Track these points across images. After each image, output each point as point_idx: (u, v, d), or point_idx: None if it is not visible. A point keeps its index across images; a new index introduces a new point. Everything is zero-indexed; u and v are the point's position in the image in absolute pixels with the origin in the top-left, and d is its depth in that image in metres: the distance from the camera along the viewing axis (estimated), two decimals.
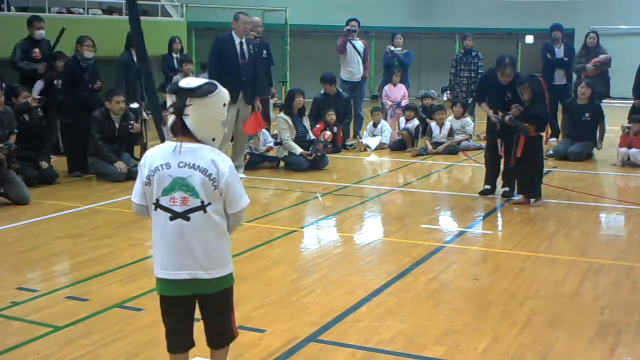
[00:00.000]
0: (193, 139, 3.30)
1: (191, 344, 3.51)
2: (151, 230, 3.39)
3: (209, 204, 3.28)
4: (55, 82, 10.16)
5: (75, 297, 5.08)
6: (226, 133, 8.55)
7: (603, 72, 12.49)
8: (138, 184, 3.40)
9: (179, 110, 3.26)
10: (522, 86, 7.81)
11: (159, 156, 3.31)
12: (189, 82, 3.31)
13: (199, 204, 3.27)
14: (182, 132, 3.29)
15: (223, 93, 3.34)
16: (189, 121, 3.27)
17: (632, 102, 11.74)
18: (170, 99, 3.30)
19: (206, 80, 3.37)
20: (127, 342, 4.30)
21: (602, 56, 12.30)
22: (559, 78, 12.78)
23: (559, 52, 12.87)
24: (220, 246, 3.36)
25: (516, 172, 7.99)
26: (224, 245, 3.39)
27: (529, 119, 7.71)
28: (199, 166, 3.26)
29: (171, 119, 3.30)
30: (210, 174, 3.26)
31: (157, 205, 3.31)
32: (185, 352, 3.52)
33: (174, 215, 3.28)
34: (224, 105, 3.36)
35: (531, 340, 4.35)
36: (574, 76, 12.96)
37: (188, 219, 3.27)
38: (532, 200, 7.93)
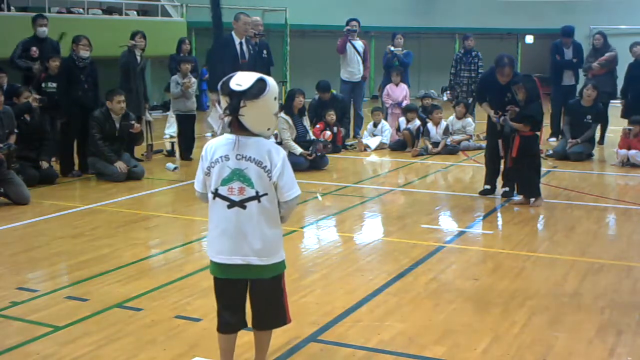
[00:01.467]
0: (249, 132, 3.48)
1: (242, 326, 3.71)
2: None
3: (264, 194, 3.49)
4: (43, 84, 10.01)
5: (75, 297, 5.08)
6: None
7: (611, 71, 12.53)
8: (200, 174, 3.62)
9: (235, 112, 3.41)
10: (517, 86, 7.81)
11: (219, 149, 3.51)
12: (240, 82, 3.42)
13: (254, 194, 3.48)
14: (238, 128, 3.46)
15: (273, 88, 3.47)
16: (244, 120, 3.43)
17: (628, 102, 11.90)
18: (224, 101, 3.45)
19: (256, 78, 3.43)
20: (127, 342, 4.30)
21: (607, 54, 12.33)
22: (567, 79, 12.80)
23: (568, 53, 12.87)
24: (272, 234, 3.56)
25: (514, 172, 8.00)
26: (276, 234, 3.59)
27: (523, 118, 7.71)
28: (254, 159, 3.46)
29: (227, 119, 3.47)
30: (265, 166, 3.46)
31: (216, 194, 3.52)
32: (234, 334, 3.72)
33: (232, 204, 3.50)
34: (275, 99, 3.49)
35: (531, 340, 4.35)
36: (581, 77, 13.00)
37: (244, 207, 3.49)
38: (532, 200, 7.93)
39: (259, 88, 3.40)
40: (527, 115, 7.72)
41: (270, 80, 3.48)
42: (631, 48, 12.06)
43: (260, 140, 3.49)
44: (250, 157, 3.46)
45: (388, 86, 13.24)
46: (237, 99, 3.39)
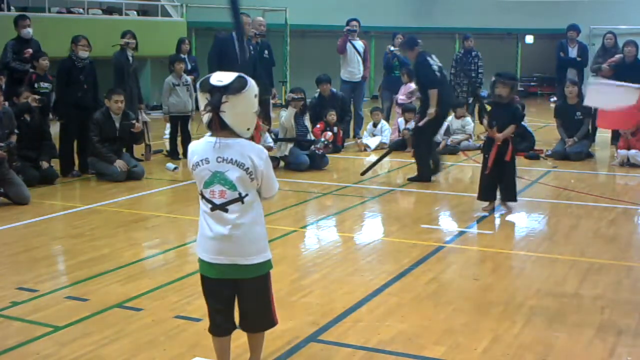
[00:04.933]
0: (229, 133, 3.45)
1: (231, 328, 3.71)
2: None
3: (247, 195, 3.49)
4: (35, 85, 9.91)
5: (75, 297, 5.08)
6: None
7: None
8: None
9: (216, 108, 3.39)
10: (501, 81, 7.37)
11: (198, 152, 3.51)
12: (221, 79, 3.41)
13: (236, 196, 3.47)
14: (219, 127, 3.43)
15: (253, 85, 3.46)
16: (226, 117, 3.41)
17: None
18: (203, 98, 3.43)
19: (235, 75, 3.44)
20: (127, 342, 4.30)
21: (617, 56, 12.30)
22: (572, 77, 12.84)
23: (573, 51, 12.95)
24: (257, 234, 3.57)
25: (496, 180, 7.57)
26: (260, 233, 3.59)
27: (514, 119, 7.41)
28: (236, 160, 3.45)
29: (207, 116, 3.44)
30: (247, 168, 3.45)
31: (201, 195, 3.54)
32: (226, 336, 3.72)
33: (214, 207, 3.49)
34: (255, 96, 3.48)
35: (531, 340, 4.35)
36: (590, 77, 13.02)
37: (226, 210, 3.48)
38: (510, 204, 7.59)
39: (240, 83, 3.39)
40: (520, 116, 7.62)
41: (249, 78, 3.46)
42: (623, 47, 11.93)
43: (241, 142, 3.47)
44: (231, 159, 3.44)
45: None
46: (218, 94, 3.37)
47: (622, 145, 10.75)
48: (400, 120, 12.40)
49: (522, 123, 11.99)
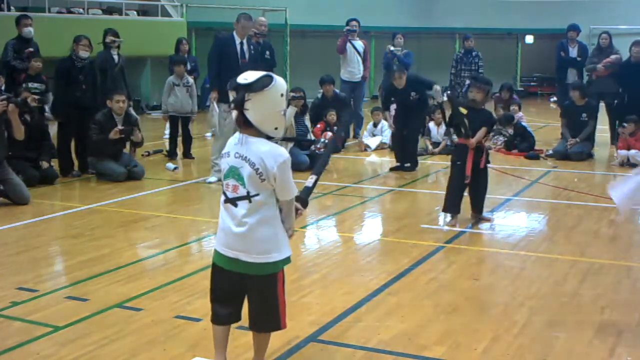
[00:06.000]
0: (255, 131, 3.50)
1: (231, 319, 3.74)
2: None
3: (256, 194, 3.51)
4: (24, 85, 9.88)
5: (75, 297, 5.08)
6: (226, 131, 8.55)
7: (615, 72, 12.51)
8: None
9: (240, 105, 3.45)
10: (477, 86, 7.16)
11: (228, 145, 3.62)
12: (247, 77, 3.47)
13: (245, 193, 3.51)
14: (244, 125, 3.49)
15: (279, 84, 3.48)
16: (249, 115, 3.45)
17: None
18: (231, 95, 3.51)
19: (263, 74, 3.47)
20: (127, 342, 4.30)
21: (612, 56, 12.30)
22: (572, 77, 12.92)
23: (573, 51, 13.00)
24: (264, 233, 3.56)
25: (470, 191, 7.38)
26: (268, 233, 3.57)
27: (484, 123, 7.14)
28: (249, 159, 3.49)
29: (234, 113, 3.51)
30: (258, 168, 3.48)
31: (222, 186, 3.63)
32: (223, 326, 3.75)
33: (226, 199, 3.58)
34: (282, 95, 3.51)
35: (531, 340, 4.35)
36: (586, 76, 13.04)
37: (236, 205, 3.54)
38: (481, 215, 7.38)
39: (263, 82, 3.42)
40: (492, 122, 7.45)
41: (278, 77, 3.50)
42: (631, 47, 11.94)
43: (259, 141, 3.49)
44: (246, 157, 3.48)
45: None
46: (242, 92, 3.43)
47: (622, 145, 10.76)
48: None
49: (522, 123, 12.18)
